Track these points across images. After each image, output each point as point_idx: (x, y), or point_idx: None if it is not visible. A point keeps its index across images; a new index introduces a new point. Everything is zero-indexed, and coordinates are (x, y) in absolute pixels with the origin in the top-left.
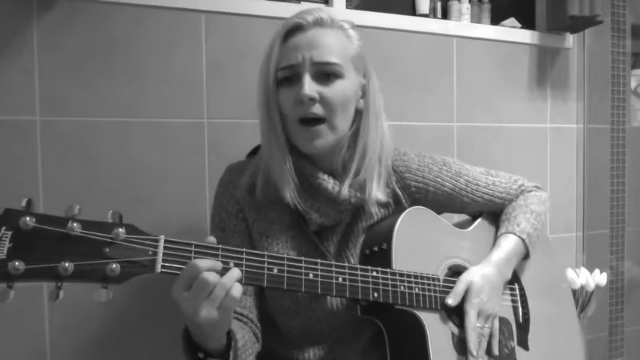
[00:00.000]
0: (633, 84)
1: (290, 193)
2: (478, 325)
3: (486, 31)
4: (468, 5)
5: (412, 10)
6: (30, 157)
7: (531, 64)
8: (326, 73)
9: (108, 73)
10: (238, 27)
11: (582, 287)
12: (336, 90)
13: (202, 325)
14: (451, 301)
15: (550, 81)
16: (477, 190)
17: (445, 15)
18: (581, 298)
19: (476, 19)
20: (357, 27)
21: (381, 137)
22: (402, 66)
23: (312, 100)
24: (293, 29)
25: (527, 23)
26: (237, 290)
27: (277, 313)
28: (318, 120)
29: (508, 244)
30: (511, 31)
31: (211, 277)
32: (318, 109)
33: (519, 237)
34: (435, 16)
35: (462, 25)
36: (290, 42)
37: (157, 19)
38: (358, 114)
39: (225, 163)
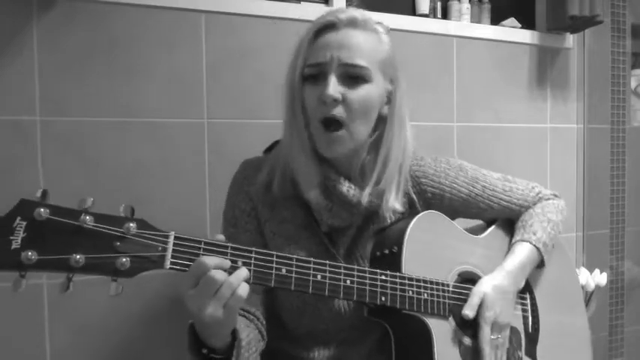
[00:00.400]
0: (633, 84)
1: (313, 191)
2: (492, 337)
3: (486, 31)
4: (468, 5)
5: (412, 10)
6: (30, 157)
7: (531, 64)
8: (352, 76)
9: (108, 73)
10: (238, 27)
11: (582, 287)
12: (360, 94)
13: (208, 323)
14: (469, 312)
15: (550, 81)
16: (493, 197)
17: (445, 15)
18: None
19: (476, 19)
20: (388, 30)
21: (404, 146)
22: (402, 66)
23: (335, 101)
24: (325, 27)
25: (527, 23)
26: (243, 290)
27: (284, 310)
28: (338, 124)
29: (523, 252)
30: (511, 31)
31: (218, 275)
32: (339, 111)
33: (535, 246)
34: (435, 16)
35: (462, 25)
36: (321, 39)
37: (157, 19)
38: (382, 120)
39: (225, 163)
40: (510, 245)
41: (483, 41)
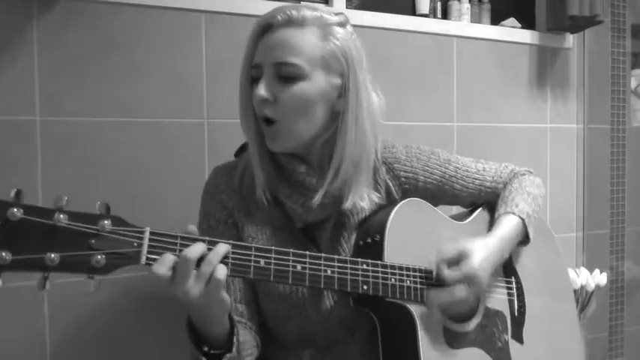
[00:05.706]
0: (633, 84)
1: (260, 189)
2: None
3: (486, 31)
4: (468, 5)
5: (412, 10)
6: (30, 156)
7: (531, 64)
8: (285, 75)
9: (108, 73)
10: (238, 27)
11: (582, 287)
12: (293, 92)
13: (205, 306)
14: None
15: (550, 81)
16: (467, 177)
17: (445, 15)
18: (581, 298)
19: (476, 19)
20: (346, 22)
21: (363, 140)
22: (402, 66)
23: (265, 101)
24: (265, 28)
25: (527, 23)
26: (222, 267)
27: (271, 318)
28: (271, 122)
29: (508, 224)
30: (511, 31)
31: (192, 252)
32: (269, 112)
33: (519, 217)
34: (435, 16)
35: (462, 25)
36: (262, 40)
37: (156, 19)
38: (338, 115)
39: None
40: (494, 220)
41: (483, 41)
